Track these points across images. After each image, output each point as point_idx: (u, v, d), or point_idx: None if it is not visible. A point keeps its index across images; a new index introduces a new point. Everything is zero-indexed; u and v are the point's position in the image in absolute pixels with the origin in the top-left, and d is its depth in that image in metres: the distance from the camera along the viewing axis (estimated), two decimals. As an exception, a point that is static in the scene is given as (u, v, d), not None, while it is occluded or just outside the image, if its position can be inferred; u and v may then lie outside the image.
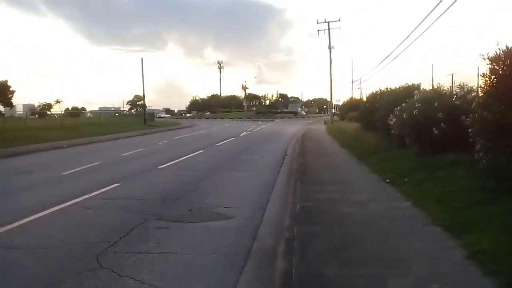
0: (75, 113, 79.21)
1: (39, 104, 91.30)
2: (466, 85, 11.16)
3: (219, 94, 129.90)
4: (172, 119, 75.67)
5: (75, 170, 12.37)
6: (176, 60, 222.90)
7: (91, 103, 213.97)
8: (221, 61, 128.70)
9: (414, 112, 10.49)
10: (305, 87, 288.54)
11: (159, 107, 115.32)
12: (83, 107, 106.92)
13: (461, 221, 5.50)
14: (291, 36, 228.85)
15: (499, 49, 6.44)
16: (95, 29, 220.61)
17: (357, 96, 50.30)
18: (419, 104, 10.65)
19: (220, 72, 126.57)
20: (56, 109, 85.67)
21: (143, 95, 51.34)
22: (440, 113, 9.65)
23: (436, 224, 5.68)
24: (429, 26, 15.67)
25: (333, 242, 5.22)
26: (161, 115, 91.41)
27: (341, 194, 8.08)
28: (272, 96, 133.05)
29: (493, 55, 6.50)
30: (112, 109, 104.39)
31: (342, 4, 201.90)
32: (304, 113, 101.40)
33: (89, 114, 77.58)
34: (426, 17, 15.25)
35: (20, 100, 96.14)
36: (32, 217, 6.86)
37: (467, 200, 6.19)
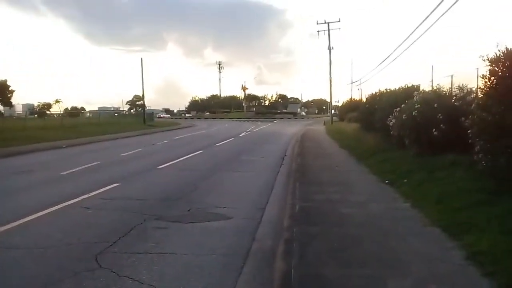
0: (75, 113, 79.15)
1: (39, 103, 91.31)
2: (466, 86, 11.21)
3: (218, 94, 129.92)
4: (171, 119, 75.58)
5: (74, 170, 12.36)
6: (176, 60, 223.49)
7: (91, 103, 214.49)
8: (221, 62, 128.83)
9: (414, 113, 10.49)
10: (304, 88, 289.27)
11: (159, 107, 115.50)
12: (82, 107, 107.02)
13: (460, 222, 5.51)
14: (291, 37, 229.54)
15: (499, 50, 6.45)
16: (95, 29, 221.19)
17: (356, 97, 50.43)
18: (419, 105, 10.66)
19: (220, 72, 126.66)
20: (56, 109, 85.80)
21: (143, 95, 51.41)
22: (439, 114, 9.66)
23: (435, 225, 5.68)
24: (429, 27, 15.72)
25: (332, 243, 5.22)
26: (161, 115, 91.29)
27: (341, 195, 8.08)
28: (272, 96, 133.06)
29: (493, 57, 6.52)
30: (112, 109, 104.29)
31: (342, 5, 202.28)
32: (304, 114, 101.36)
33: (88, 114, 77.53)
34: (426, 18, 15.27)
35: (19, 99, 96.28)
36: (31, 217, 6.85)
37: (466, 201, 6.20)
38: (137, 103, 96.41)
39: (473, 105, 7.42)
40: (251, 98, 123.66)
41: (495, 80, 6.51)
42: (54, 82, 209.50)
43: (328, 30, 44.85)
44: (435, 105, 10.10)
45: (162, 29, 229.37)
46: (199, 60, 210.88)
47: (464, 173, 7.70)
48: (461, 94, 10.39)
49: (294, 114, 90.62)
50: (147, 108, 59.74)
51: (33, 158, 16.66)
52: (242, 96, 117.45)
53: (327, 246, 5.10)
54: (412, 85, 15.61)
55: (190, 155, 16.33)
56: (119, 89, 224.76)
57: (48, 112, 76.49)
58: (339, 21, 46.21)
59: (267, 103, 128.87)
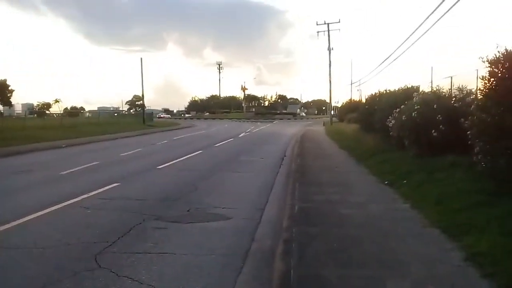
0: (74, 112, 79.24)
1: (38, 103, 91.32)
2: (465, 87, 11.20)
3: (218, 94, 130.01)
4: (171, 120, 75.64)
5: (73, 169, 12.35)
6: (176, 60, 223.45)
7: (90, 103, 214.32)
8: (221, 62, 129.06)
9: (413, 114, 10.50)
10: (304, 89, 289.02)
11: (158, 107, 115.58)
12: (81, 107, 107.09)
13: (459, 223, 5.51)
14: (291, 37, 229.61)
15: (498, 51, 6.46)
16: (95, 29, 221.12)
17: (356, 97, 50.33)
18: (418, 106, 10.66)
19: (220, 72, 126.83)
20: (55, 109, 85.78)
21: (142, 95, 51.44)
22: (439, 115, 9.67)
23: (435, 226, 5.68)
24: (429, 29, 15.71)
25: (331, 244, 5.22)
26: (161, 115, 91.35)
27: (340, 196, 8.08)
28: (271, 97, 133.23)
29: (492, 58, 6.52)
30: (111, 109, 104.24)
31: (342, 6, 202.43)
32: (304, 115, 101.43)
33: (88, 113, 77.52)
34: (425, 20, 15.28)
35: (19, 99, 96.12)
36: (30, 217, 6.85)
37: (465, 202, 6.21)
38: (136, 103, 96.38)
39: (472, 106, 7.42)
40: (250, 98, 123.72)
41: (494, 82, 6.52)
42: (54, 82, 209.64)
43: (328, 31, 44.92)
44: (435, 106, 10.10)
45: (162, 29, 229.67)
46: (199, 60, 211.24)
47: (463, 174, 7.70)
48: (461, 95, 10.39)
49: (294, 115, 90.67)
50: (147, 108, 59.84)
51: (33, 157, 16.64)
52: (242, 97, 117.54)
53: (327, 247, 5.10)
54: (412, 86, 15.64)
55: (190, 156, 16.33)
56: (118, 89, 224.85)
57: (47, 111, 76.53)
58: (339, 22, 46.35)
59: (266, 103, 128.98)
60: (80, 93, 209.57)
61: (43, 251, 5.29)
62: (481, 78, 6.80)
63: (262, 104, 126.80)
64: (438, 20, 14.19)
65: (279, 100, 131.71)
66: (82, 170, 12.40)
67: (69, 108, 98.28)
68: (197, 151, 18.13)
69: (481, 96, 7.11)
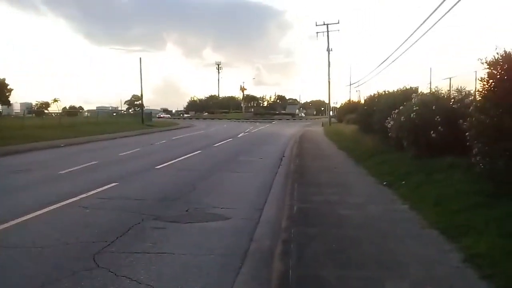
0: (73, 112, 78.89)
1: (37, 102, 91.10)
2: (464, 89, 11.23)
3: (217, 95, 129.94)
4: (170, 120, 75.59)
5: (72, 169, 12.33)
6: (175, 61, 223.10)
7: (89, 103, 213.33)
8: (220, 62, 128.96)
9: (412, 115, 10.52)
10: (303, 89, 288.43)
11: (157, 107, 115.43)
12: (80, 106, 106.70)
13: (458, 224, 5.52)
14: (291, 38, 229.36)
15: (497, 53, 6.47)
16: (95, 29, 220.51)
17: (355, 98, 50.47)
18: (417, 107, 10.68)
19: (219, 73, 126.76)
20: (54, 108, 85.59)
21: (141, 95, 51.42)
22: (437, 117, 9.68)
23: (433, 227, 5.69)
24: (428, 30, 15.75)
25: (330, 244, 5.22)
26: (161, 115, 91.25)
27: (339, 196, 8.09)
28: (270, 97, 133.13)
29: (491, 59, 6.54)
30: (110, 108, 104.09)
31: (342, 6, 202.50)
32: (303, 115, 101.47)
33: (86, 113, 77.42)
34: (425, 20, 15.31)
35: (18, 98, 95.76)
36: (29, 216, 6.84)
37: (464, 204, 6.22)
38: (135, 102, 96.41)
39: (471, 108, 7.44)
40: (249, 98, 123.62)
41: (493, 83, 6.53)
42: (53, 81, 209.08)
43: (327, 31, 44.98)
44: (433, 107, 10.12)
45: (162, 29, 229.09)
46: (198, 61, 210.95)
47: (462, 175, 7.71)
48: (460, 97, 10.41)
49: (293, 115, 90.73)
50: (146, 108, 59.75)
51: (31, 157, 16.61)
52: (241, 97, 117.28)
53: (325, 248, 5.10)
54: (411, 87, 15.68)
55: (189, 155, 16.32)
56: (118, 89, 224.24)
57: (46, 111, 76.33)
58: (338, 22, 46.13)
59: (265, 104, 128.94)
60: (79, 93, 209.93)
61: (41, 250, 5.29)
62: (480, 79, 6.81)
63: (261, 105, 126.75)
64: (438, 21, 14.24)
65: (278, 101, 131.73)
66: (81, 170, 12.39)
67: (67, 107, 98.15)
68: (196, 151, 18.12)
69: (480, 98, 7.13)
